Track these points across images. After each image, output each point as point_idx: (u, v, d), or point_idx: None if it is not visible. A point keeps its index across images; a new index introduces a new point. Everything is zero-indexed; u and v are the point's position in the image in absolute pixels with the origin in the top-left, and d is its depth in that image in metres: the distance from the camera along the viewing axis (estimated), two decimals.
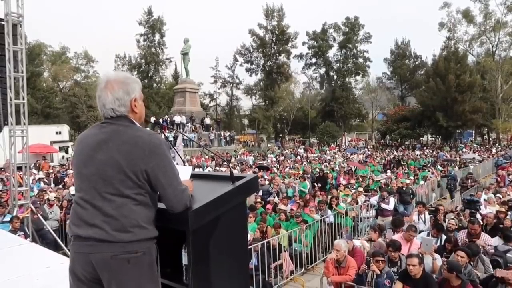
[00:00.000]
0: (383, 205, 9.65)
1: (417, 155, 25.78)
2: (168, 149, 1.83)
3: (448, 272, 4.56)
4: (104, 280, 1.73)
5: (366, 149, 35.29)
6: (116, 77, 1.86)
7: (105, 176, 1.73)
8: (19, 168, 8.50)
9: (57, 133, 28.46)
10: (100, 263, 1.71)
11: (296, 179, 14.59)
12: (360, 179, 14.68)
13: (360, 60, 50.19)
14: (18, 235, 6.40)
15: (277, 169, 18.71)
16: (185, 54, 32.09)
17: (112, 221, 1.69)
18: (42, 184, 13.94)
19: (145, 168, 1.73)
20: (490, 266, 5.41)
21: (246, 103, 53.68)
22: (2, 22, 7.48)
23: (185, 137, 23.13)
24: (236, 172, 4.14)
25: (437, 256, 5.56)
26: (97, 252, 1.70)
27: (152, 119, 26.45)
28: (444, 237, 6.42)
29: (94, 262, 1.71)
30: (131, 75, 2.00)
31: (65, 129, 30.21)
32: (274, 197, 11.70)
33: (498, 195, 10.21)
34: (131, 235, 1.70)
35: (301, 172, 16.72)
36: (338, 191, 11.95)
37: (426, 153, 27.12)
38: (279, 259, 7.20)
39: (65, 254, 4.74)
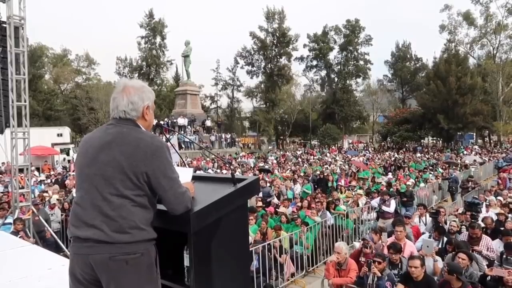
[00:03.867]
0: (384, 208, 9.62)
1: (418, 157, 25.73)
2: (170, 153, 1.86)
3: (449, 274, 4.55)
4: (103, 281, 1.74)
5: (367, 151, 35.22)
6: (134, 84, 1.96)
7: (106, 176, 1.75)
8: (21, 170, 8.51)
9: (58, 135, 28.55)
10: (99, 264, 1.72)
11: (297, 179, 14.57)
12: (361, 181, 14.66)
13: (361, 62, 50.37)
14: (20, 237, 6.40)
15: (278, 171, 18.69)
16: (186, 56, 32.13)
17: (111, 222, 1.71)
18: (43, 186, 13.95)
19: (145, 170, 1.75)
20: (484, 264, 5.42)
21: (247, 105, 53.81)
22: (4, 25, 7.53)
23: (186, 139, 23.16)
24: (237, 174, 4.14)
25: (438, 258, 5.56)
26: (95, 254, 1.71)
27: (154, 121, 26.52)
28: (445, 239, 6.42)
29: (93, 263, 1.72)
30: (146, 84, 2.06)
31: (66, 131, 30.31)
32: (274, 198, 11.70)
33: (499, 197, 10.19)
34: (130, 236, 1.71)
35: (302, 174, 16.70)
36: (339, 192, 11.93)
37: (427, 156, 27.04)
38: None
39: (66, 256, 4.73)
